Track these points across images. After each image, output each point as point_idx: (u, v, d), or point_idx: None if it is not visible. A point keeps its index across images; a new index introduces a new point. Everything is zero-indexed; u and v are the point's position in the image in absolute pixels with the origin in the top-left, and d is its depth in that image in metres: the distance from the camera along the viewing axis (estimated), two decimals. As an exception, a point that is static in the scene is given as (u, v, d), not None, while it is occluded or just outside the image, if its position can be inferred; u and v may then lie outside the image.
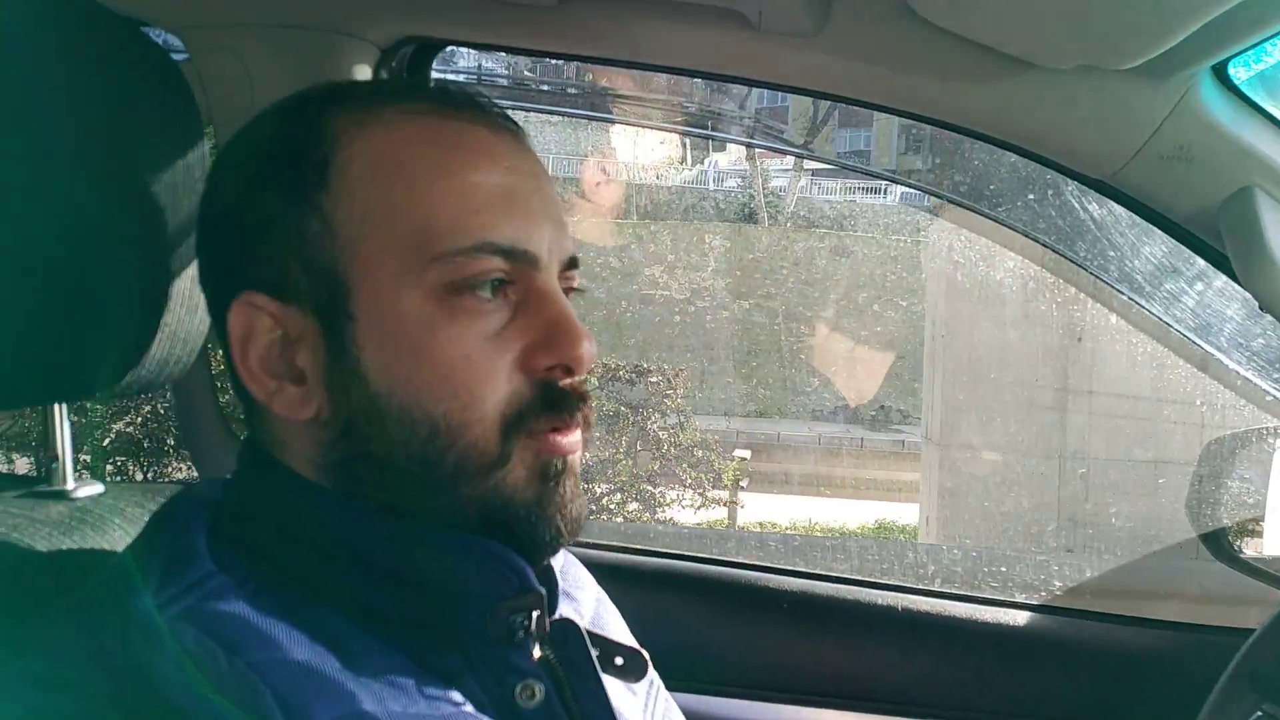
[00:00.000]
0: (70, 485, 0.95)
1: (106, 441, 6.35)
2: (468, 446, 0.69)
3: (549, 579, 0.77)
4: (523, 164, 0.74)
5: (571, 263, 0.77)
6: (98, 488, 0.96)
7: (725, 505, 9.43)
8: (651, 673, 0.87)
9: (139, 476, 6.22)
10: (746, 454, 10.15)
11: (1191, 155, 1.10)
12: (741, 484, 9.74)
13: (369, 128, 0.71)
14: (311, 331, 0.70)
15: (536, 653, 0.73)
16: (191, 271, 0.92)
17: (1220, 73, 1.07)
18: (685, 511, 9.04)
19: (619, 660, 0.80)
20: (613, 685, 0.78)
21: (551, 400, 0.71)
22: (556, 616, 0.77)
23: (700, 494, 9.19)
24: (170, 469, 6.37)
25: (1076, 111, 1.11)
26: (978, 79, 1.11)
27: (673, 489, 9.03)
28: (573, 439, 0.73)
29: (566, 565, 0.92)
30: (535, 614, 0.71)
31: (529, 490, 0.71)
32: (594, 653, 0.76)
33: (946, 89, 1.14)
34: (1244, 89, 1.08)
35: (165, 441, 6.42)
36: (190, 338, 0.94)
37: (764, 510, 9.84)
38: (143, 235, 0.85)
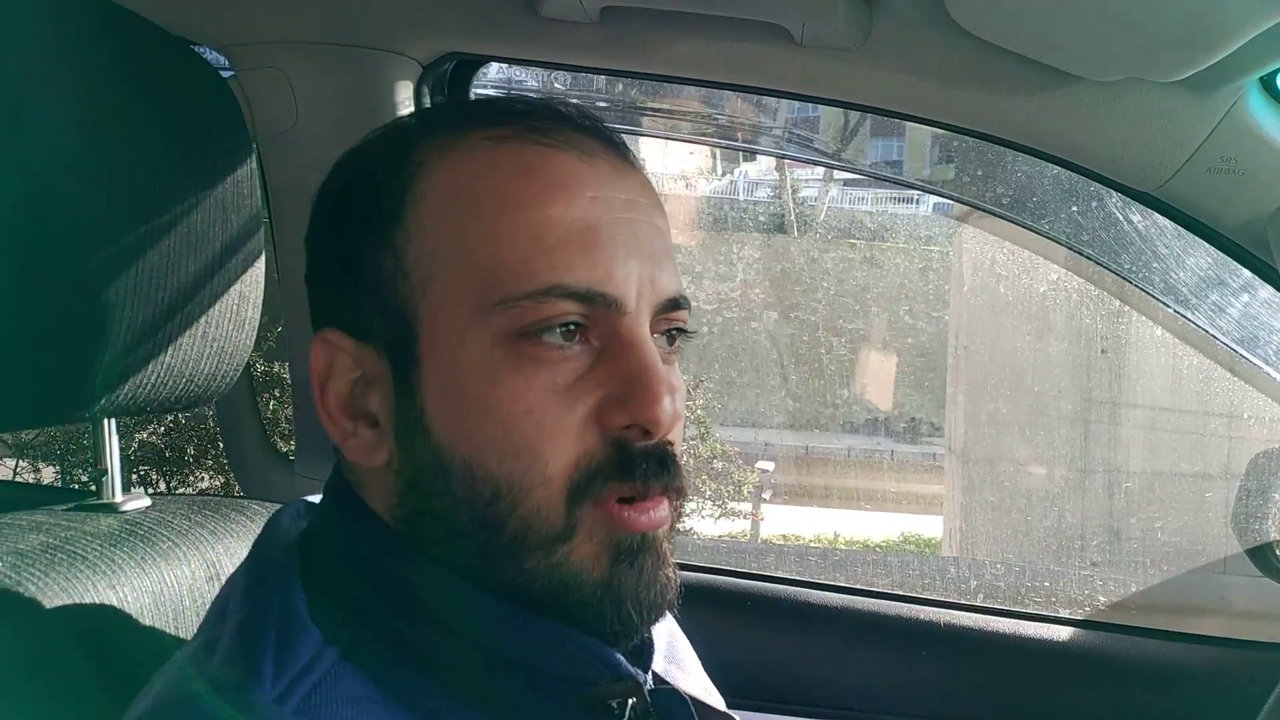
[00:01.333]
0: (119, 498, 0.96)
1: (131, 452, 6.40)
2: (530, 513, 0.62)
3: (645, 646, 0.72)
4: (615, 193, 0.66)
5: (673, 304, 0.68)
6: (145, 501, 0.97)
7: (747, 517, 9.37)
8: None
9: (162, 486, 6.28)
10: (769, 466, 10.06)
11: (1239, 167, 1.09)
12: (765, 496, 9.66)
13: (450, 156, 0.66)
14: (384, 374, 0.66)
15: None
16: (239, 287, 0.93)
17: (1269, 84, 1.06)
18: (705, 523, 8.99)
19: None
20: None
21: (626, 464, 0.63)
22: (661, 687, 0.72)
23: (719, 506, 9.13)
24: (192, 478, 6.40)
25: (1122, 124, 1.10)
26: (1022, 91, 1.11)
27: (691, 500, 8.97)
28: (652, 515, 0.65)
29: None
30: (632, 700, 0.65)
31: (598, 569, 0.64)
32: None
33: (990, 101, 1.13)
34: (1294, 100, 1.07)
35: (185, 451, 6.45)
36: (237, 353, 0.95)
37: (790, 522, 9.76)
38: (192, 250, 0.86)
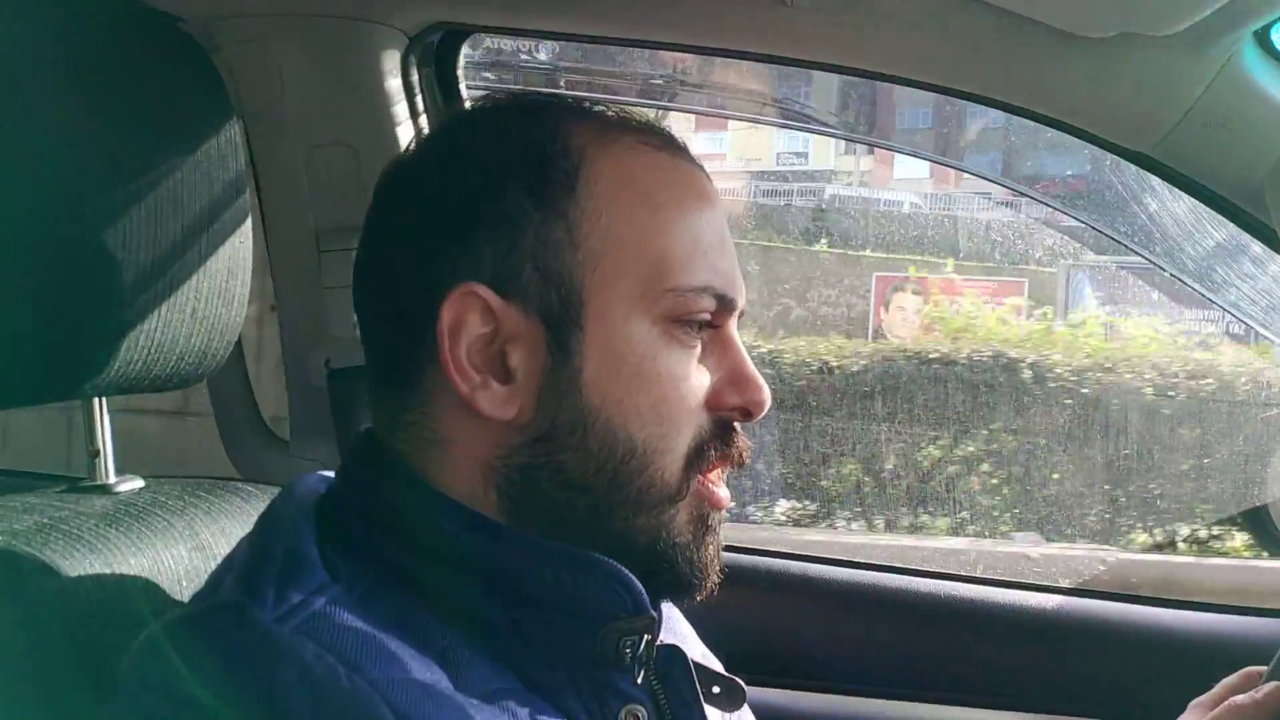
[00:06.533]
0: (112, 479, 0.95)
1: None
2: (654, 475, 0.71)
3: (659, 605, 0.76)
4: (723, 211, 0.77)
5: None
6: (138, 482, 0.97)
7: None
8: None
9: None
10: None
11: (1234, 124, 1.07)
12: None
13: (611, 149, 0.73)
14: (531, 333, 0.70)
15: (640, 677, 0.71)
16: (226, 264, 0.93)
17: (1263, 38, 1.04)
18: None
19: (716, 689, 0.79)
20: (714, 715, 0.77)
21: (727, 439, 0.74)
22: (662, 642, 0.75)
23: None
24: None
25: (1116, 82, 1.09)
26: (1017, 52, 1.09)
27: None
28: (726, 493, 0.76)
29: None
30: (645, 638, 0.70)
31: (694, 533, 0.73)
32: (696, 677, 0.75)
33: (986, 63, 1.12)
34: (1288, 55, 1.06)
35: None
36: (227, 330, 0.94)
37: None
38: (178, 227, 0.86)
